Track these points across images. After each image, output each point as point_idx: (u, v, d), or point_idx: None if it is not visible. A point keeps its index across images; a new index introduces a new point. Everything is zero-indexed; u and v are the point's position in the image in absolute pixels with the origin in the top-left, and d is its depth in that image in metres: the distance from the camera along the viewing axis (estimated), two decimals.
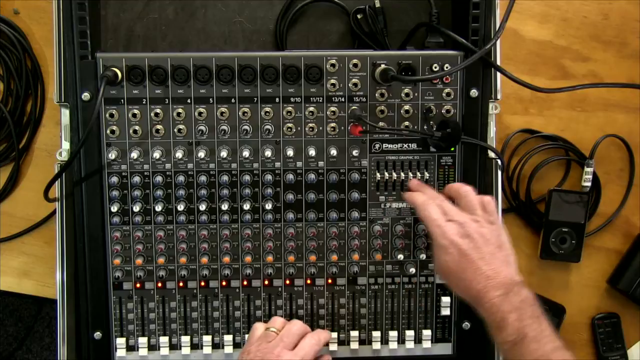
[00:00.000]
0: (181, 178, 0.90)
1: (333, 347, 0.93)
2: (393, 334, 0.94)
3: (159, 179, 0.90)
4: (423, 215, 0.83)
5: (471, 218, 0.81)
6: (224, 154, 0.90)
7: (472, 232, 0.79)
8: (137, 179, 0.90)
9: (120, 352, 0.92)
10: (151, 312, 0.92)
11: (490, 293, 0.75)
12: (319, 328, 0.93)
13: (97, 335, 0.92)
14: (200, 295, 0.93)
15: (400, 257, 0.93)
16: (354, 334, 0.94)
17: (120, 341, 0.92)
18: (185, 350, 0.93)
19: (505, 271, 0.77)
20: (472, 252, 0.78)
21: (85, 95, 0.88)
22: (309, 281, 0.93)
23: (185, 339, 0.92)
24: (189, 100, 0.89)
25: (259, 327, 0.85)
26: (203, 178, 0.91)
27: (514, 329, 0.73)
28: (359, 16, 0.98)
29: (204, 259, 0.92)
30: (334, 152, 0.90)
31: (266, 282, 0.93)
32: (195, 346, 0.93)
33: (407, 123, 0.91)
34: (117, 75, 0.87)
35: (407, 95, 0.91)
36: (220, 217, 0.91)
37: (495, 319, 0.74)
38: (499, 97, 0.93)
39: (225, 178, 0.91)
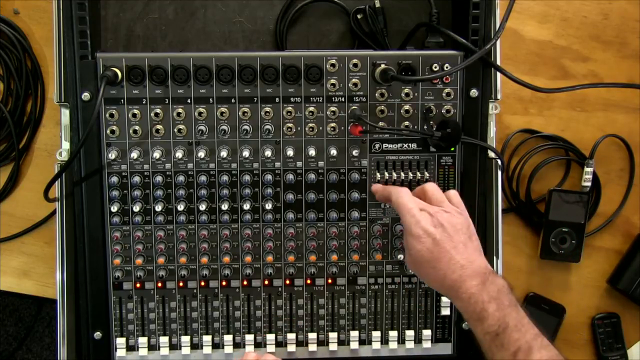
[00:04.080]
0: (181, 178, 0.90)
1: (333, 347, 0.94)
2: (393, 334, 0.94)
3: (159, 179, 0.90)
4: (397, 203, 0.81)
5: (441, 209, 0.80)
6: (224, 154, 0.90)
7: (444, 221, 0.78)
8: (137, 179, 0.90)
9: (120, 352, 0.92)
10: (151, 312, 0.92)
11: (467, 283, 0.74)
12: (319, 328, 0.93)
13: (97, 335, 0.92)
14: (200, 295, 0.93)
15: (400, 257, 0.93)
16: (354, 334, 0.94)
17: (120, 341, 0.92)
18: (185, 350, 0.93)
19: (478, 260, 0.77)
20: (445, 241, 0.77)
21: (85, 95, 0.88)
22: (309, 281, 0.93)
23: (185, 339, 0.92)
24: (189, 100, 0.89)
25: None
26: (203, 178, 0.91)
27: (495, 319, 0.72)
28: (359, 16, 0.98)
29: (204, 259, 0.92)
30: (334, 152, 0.90)
31: (266, 282, 0.93)
32: (195, 346, 0.93)
33: (407, 123, 0.91)
34: (117, 75, 0.87)
35: (407, 95, 0.91)
36: (220, 217, 0.91)
37: (475, 309, 0.73)
38: (499, 97, 0.93)
39: (225, 178, 0.91)
